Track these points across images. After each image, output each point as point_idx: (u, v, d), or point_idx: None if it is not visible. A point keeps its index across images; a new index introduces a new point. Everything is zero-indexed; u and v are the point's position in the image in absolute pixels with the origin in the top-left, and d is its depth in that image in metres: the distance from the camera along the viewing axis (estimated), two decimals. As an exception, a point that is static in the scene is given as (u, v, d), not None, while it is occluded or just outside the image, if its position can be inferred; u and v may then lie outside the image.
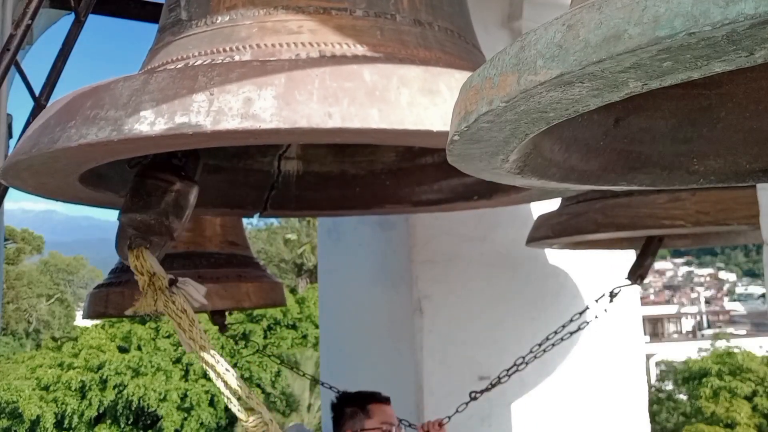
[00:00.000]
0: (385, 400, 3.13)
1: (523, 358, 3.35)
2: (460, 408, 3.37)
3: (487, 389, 3.33)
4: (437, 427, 3.16)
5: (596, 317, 3.38)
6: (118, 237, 1.65)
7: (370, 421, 3.03)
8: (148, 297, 1.63)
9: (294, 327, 27.14)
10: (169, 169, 1.65)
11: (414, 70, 1.30)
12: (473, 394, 3.29)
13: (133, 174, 1.76)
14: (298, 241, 36.46)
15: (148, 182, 1.63)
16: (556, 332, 3.35)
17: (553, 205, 3.30)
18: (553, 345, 3.33)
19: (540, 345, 3.34)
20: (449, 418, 3.31)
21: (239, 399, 1.57)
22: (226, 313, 3.42)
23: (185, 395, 24.45)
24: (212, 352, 1.62)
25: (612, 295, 3.25)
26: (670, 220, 2.61)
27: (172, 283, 1.64)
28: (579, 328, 3.36)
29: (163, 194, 1.61)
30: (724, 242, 3.72)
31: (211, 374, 1.61)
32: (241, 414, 1.57)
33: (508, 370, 3.37)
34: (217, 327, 3.43)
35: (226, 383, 1.59)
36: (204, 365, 1.62)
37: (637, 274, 3.19)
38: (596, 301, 3.29)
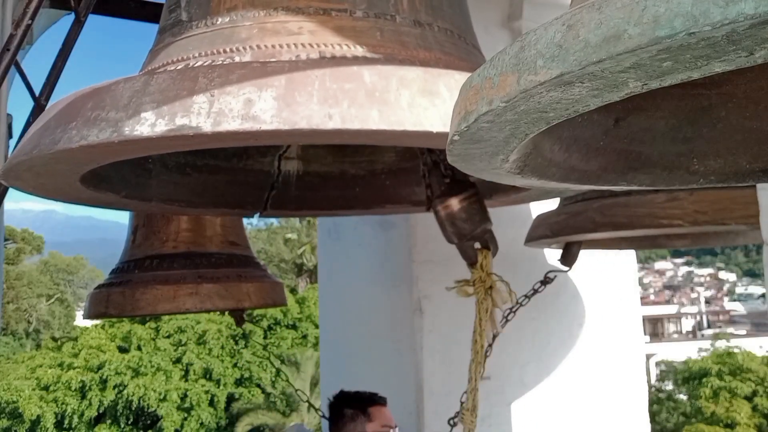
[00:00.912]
0: (384, 402, 3.13)
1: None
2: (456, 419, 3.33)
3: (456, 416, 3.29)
4: None
5: (527, 297, 3.30)
6: (462, 249, 2.20)
7: (371, 424, 3.01)
8: (476, 289, 2.19)
9: (294, 327, 27.16)
10: (464, 186, 2.10)
11: (414, 71, 1.30)
12: (451, 421, 3.26)
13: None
14: (298, 241, 36.49)
15: (473, 202, 2.10)
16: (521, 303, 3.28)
17: (552, 205, 3.30)
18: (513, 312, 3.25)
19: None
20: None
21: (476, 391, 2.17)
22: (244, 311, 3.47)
23: (185, 395, 24.47)
24: (483, 348, 2.19)
25: (547, 279, 3.25)
26: (668, 220, 2.61)
27: (491, 286, 2.19)
28: (520, 305, 3.28)
29: (474, 205, 2.10)
30: (723, 242, 3.72)
31: (475, 358, 2.17)
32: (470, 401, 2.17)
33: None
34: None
35: (475, 375, 2.19)
36: (473, 352, 2.17)
37: (567, 261, 3.26)
38: (533, 289, 3.25)
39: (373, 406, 3.07)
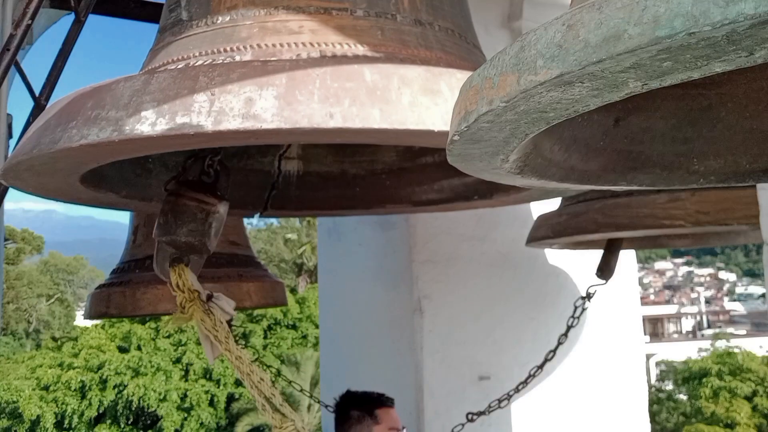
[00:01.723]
0: (391, 404, 3.10)
1: (525, 382, 3.33)
2: (456, 429, 3.35)
3: (486, 411, 3.31)
4: None
5: (583, 311, 3.35)
6: (156, 255, 1.73)
7: (378, 426, 2.98)
8: (187, 312, 1.73)
9: (294, 327, 27.14)
10: (209, 190, 1.74)
11: (415, 70, 1.30)
12: (470, 416, 3.27)
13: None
14: (298, 241, 36.48)
15: (190, 204, 1.71)
16: (566, 333, 3.34)
17: (553, 205, 3.30)
18: (559, 344, 3.31)
19: (554, 351, 3.33)
20: None
21: (272, 406, 1.65)
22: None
23: (185, 395, 24.46)
24: (247, 361, 1.71)
25: (589, 294, 3.26)
26: (669, 220, 2.61)
27: (209, 298, 1.75)
28: (569, 327, 3.34)
29: (206, 216, 1.72)
30: (724, 242, 3.72)
31: (246, 382, 1.68)
32: (275, 420, 1.63)
33: (525, 380, 3.34)
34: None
35: (260, 391, 1.66)
36: (239, 374, 1.70)
37: (606, 271, 3.24)
38: (575, 305, 3.29)
39: (381, 408, 3.04)
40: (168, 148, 1.45)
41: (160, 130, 1.18)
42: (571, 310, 3.70)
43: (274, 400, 1.65)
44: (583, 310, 3.31)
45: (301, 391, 4.02)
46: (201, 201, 1.71)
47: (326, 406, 3.41)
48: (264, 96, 1.18)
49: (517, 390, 3.32)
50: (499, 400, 3.33)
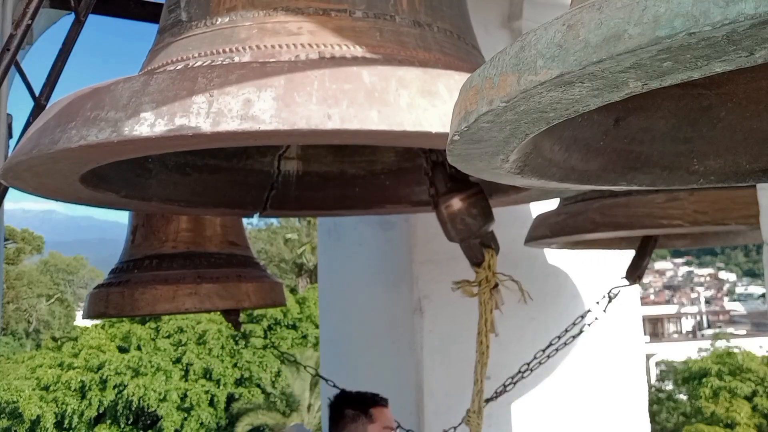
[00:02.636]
0: (385, 403, 3.12)
1: (528, 364, 3.33)
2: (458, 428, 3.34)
3: (492, 397, 3.31)
4: None
5: (596, 319, 3.37)
6: (467, 249, 2.16)
7: (372, 425, 3.00)
8: (481, 289, 2.17)
9: (294, 327, 27.15)
10: (469, 185, 2.10)
11: (413, 72, 1.30)
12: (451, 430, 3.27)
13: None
14: (298, 241, 36.49)
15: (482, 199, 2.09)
16: (559, 337, 3.33)
17: (552, 205, 3.30)
18: (557, 350, 3.32)
19: (544, 351, 3.32)
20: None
21: (479, 399, 2.19)
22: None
23: (185, 395, 24.46)
24: (487, 354, 2.23)
25: (611, 297, 3.25)
26: (667, 220, 2.61)
27: (496, 286, 2.19)
28: (581, 331, 3.36)
29: (480, 204, 2.09)
30: (723, 242, 3.72)
31: (477, 368, 2.22)
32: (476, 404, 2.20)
33: (513, 378, 3.35)
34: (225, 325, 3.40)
35: (481, 376, 2.19)
36: (479, 355, 2.21)
37: (635, 274, 3.19)
38: (597, 303, 3.28)
39: (375, 407, 3.06)
40: (167, 149, 1.45)
41: (159, 131, 1.18)
42: (571, 310, 3.70)
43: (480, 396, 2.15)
44: (596, 311, 3.31)
45: (308, 370, 4.05)
46: (471, 197, 2.07)
47: (333, 385, 3.44)
48: (262, 97, 1.18)
49: (520, 374, 3.32)
50: (505, 385, 3.33)
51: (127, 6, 3.91)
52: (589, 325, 3.34)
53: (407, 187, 2.55)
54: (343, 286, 4.78)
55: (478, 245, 2.16)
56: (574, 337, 3.33)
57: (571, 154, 0.89)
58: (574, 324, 3.36)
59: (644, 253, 3.20)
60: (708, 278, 70.56)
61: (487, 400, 3.29)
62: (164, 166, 2.14)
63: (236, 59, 1.44)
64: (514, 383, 3.33)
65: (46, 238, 45.19)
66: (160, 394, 24.12)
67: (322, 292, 5.31)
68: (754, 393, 25.28)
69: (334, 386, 3.50)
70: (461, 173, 1.99)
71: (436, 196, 2.14)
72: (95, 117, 1.25)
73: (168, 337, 25.67)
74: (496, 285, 2.17)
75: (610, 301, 3.23)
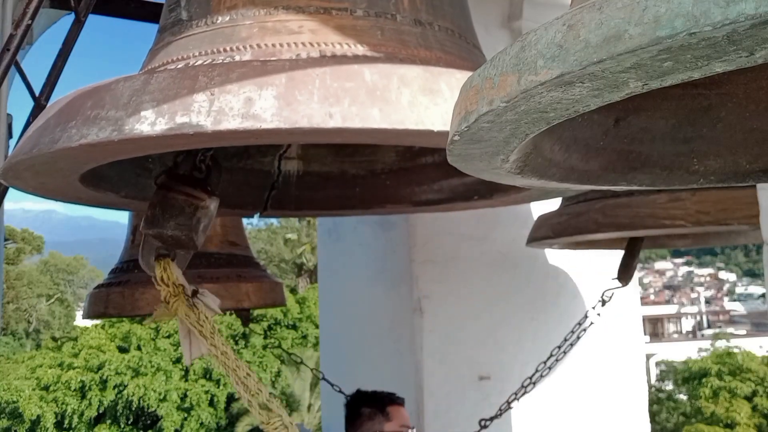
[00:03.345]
0: (402, 402, 3.11)
1: (530, 378, 3.32)
2: None
3: (497, 416, 3.30)
4: None
5: (591, 323, 3.37)
6: (142, 248, 1.71)
7: (389, 423, 2.98)
8: (171, 306, 1.69)
9: (294, 327, 27.15)
10: (199, 185, 1.71)
11: (414, 70, 1.30)
12: (483, 422, 3.25)
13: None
14: (298, 241, 36.48)
15: (178, 198, 1.68)
16: (559, 347, 3.33)
17: (553, 205, 3.30)
18: (557, 360, 3.32)
19: (545, 362, 3.32)
20: None
21: (259, 402, 1.66)
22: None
23: (185, 395, 24.46)
24: (233, 357, 1.68)
25: (604, 300, 3.25)
26: (670, 220, 2.61)
27: (194, 294, 1.71)
28: (578, 338, 3.36)
29: (195, 211, 1.68)
30: (724, 242, 3.72)
31: (232, 378, 1.67)
32: (261, 416, 1.65)
33: (516, 393, 3.33)
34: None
35: (246, 387, 1.66)
36: (225, 370, 1.68)
37: (626, 275, 3.19)
38: (593, 308, 3.29)
39: (392, 406, 3.05)
40: (168, 148, 1.45)
41: (160, 129, 1.18)
42: (571, 310, 3.70)
43: (260, 396, 1.65)
44: (586, 316, 3.31)
45: (311, 369, 4.06)
46: (190, 195, 1.69)
47: (339, 390, 3.45)
48: (263, 96, 1.18)
49: (524, 388, 3.31)
50: (509, 402, 3.32)
51: (127, 6, 3.91)
52: (585, 330, 3.33)
53: (407, 187, 2.55)
54: (343, 286, 4.78)
55: (153, 247, 1.71)
56: (572, 345, 3.33)
57: (571, 154, 0.89)
58: (572, 332, 3.37)
59: (633, 253, 3.21)
60: (708, 278, 70.57)
61: (492, 419, 3.27)
62: (164, 166, 2.14)
63: (237, 58, 1.44)
64: (517, 398, 3.32)
65: (46, 238, 45.20)
66: (160, 394, 24.13)
67: (322, 292, 5.31)
68: (754, 393, 25.28)
69: (340, 391, 3.49)
70: (215, 172, 1.75)
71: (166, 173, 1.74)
72: (96, 116, 1.25)
73: (168, 337, 25.66)
74: (196, 292, 1.70)
75: (603, 304, 3.23)
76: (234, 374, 1.66)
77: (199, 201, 1.69)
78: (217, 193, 1.76)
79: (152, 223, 1.66)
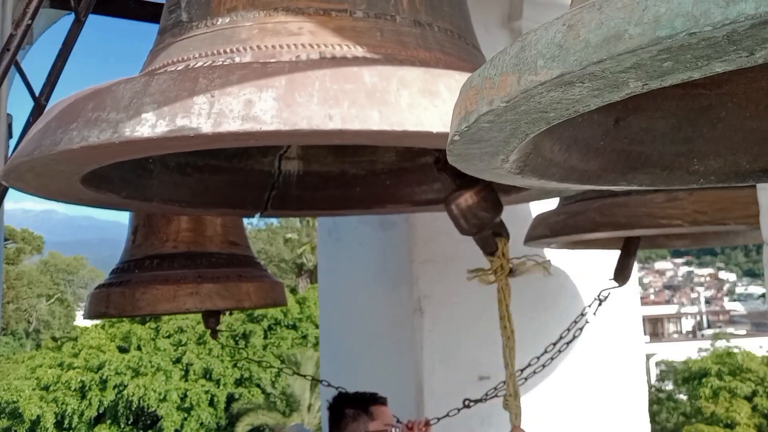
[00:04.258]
0: (385, 401, 3.12)
1: (521, 371, 3.33)
2: (451, 413, 3.34)
3: (482, 399, 3.31)
4: (423, 427, 3.11)
5: (587, 322, 3.38)
6: (481, 241, 2.28)
7: (373, 423, 3.00)
8: (497, 277, 2.31)
9: (294, 327, 27.13)
10: (474, 181, 2.10)
11: (414, 72, 1.30)
12: (467, 402, 3.26)
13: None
14: (298, 241, 36.44)
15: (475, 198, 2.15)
16: (554, 344, 3.34)
17: (552, 204, 3.30)
18: (552, 358, 3.32)
19: (538, 358, 3.33)
20: (438, 419, 3.28)
21: (514, 385, 2.26)
22: (221, 315, 3.30)
23: (185, 395, 24.44)
24: (513, 336, 2.36)
25: (601, 299, 3.25)
26: (667, 220, 2.61)
27: (512, 272, 2.32)
28: (574, 337, 3.36)
29: (486, 198, 2.16)
30: (723, 242, 3.72)
31: (505, 353, 2.33)
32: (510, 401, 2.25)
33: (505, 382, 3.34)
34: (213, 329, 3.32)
35: (512, 365, 2.30)
36: (504, 340, 2.33)
37: (622, 275, 3.20)
38: (588, 307, 3.29)
39: (375, 405, 3.06)
40: (168, 150, 1.45)
41: (160, 132, 1.18)
42: (571, 310, 3.70)
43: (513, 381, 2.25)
44: (583, 314, 3.31)
45: (305, 377, 4.04)
46: (478, 192, 2.13)
47: (337, 388, 3.45)
48: (263, 98, 1.18)
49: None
50: (496, 389, 3.33)
51: (127, 6, 3.91)
52: (581, 329, 3.34)
53: (407, 187, 2.55)
54: (343, 286, 4.78)
55: (491, 236, 2.26)
56: (568, 343, 3.33)
57: (571, 154, 0.89)
58: (568, 330, 3.37)
59: (629, 253, 3.21)
60: (708, 278, 70.52)
61: (476, 401, 3.29)
62: (165, 167, 2.14)
63: (237, 60, 1.44)
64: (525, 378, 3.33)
65: (46, 238, 45.15)
66: (160, 394, 24.11)
67: (322, 292, 5.31)
68: (754, 393, 25.26)
69: (337, 390, 3.49)
70: None
71: (447, 194, 2.21)
72: (96, 118, 1.25)
73: (168, 337, 25.65)
74: (511, 271, 2.29)
75: (600, 304, 3.23)
76: (509, 350, 2.30)
77: (485, 190, 2.14)
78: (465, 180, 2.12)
79: (476, 228, 2.23)
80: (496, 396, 3.34)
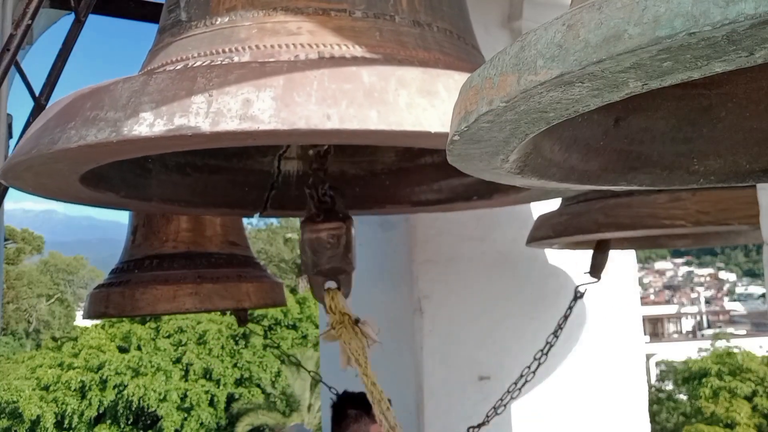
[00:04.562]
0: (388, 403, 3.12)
1: (515, 384, 3.35)
2: None
3: (483, 424, 3.32)
4: None
5: (565, 318, 3.40)
6: (311, 285, 2.03)
7: (375, 425, 3.00)
8: (337, 332, 2.01)
9: (294, 327, 27.15)
10: (332, 216, 1.99)
11: (413, 72, 1.30)
12: (471, 430, 3.29)
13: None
14: (298, 241, 36.43)
15: (321, 237, 1.97)
16: (542, 350, 3.37)
17: (553, 205, 3.30)
18: (539, 364, 3.34)
19: (529, 367, 3.36)
20: None
21: (387, 419, 1.98)
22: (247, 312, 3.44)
23: (185, 395, 24.46)
24: (380, 389, 2.03)
25: (577, 295, 3.28)
26: (670, 220, 2.61)
27: (357, 322, 2.02)
28: (556, 336, 3.38)
29: (338, 240, 1.96)
30: (724, 242, 3.71)
31: (376, 408, 2.00)
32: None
33: (502, 399, 3.36)
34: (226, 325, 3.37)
35: (386, 419, 1.98)
36: (370, 397, 2.00)
37: (597, 272, 3.24)
38: (570, 308, 3.32)
39: None
40: (166, 149, 1.45)
41: (158, 131, 1.18)
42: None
43: (398, 430, 1.96)
44: (570, 309, 3.33)
45: (309, 372, 4.09)
46: (330, 230, 1.96)
47: (336, 392, 3.45)
48: (262, 97, 1.18)
49: (509, 392, 3.33)
50: (495, 407, 3.35)
51: (127, 6, 3.91)
52: (561, 327, 3.36)
53: (407, 187, 2.55)
54: (343, 286, 4.77)
55: (322, 285, 2.01)
56: (551, 346, 3.36)
57: (571, 154, 0.88)
58: (559, 327, 3.40)
59: (600, 252, 3.26)
60: (708, 278, 70.56)
61: (495, 408, 3.29)
62: (164, 166, 2.14)
63: (236, 59, 1.44)
64: (503, 403, 3.34)
65: (46, 238, 45.18)
66: (160, 394, 24.12)
67: (322, 292, 5.30)
68: (754, 393, 25.27)
69: (336, 393, 3.49)
70: (340, 202, 2.01)
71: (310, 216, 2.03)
72: (94, 117, 1.25)
73: (168, 337, 25.67)
74: (357, 321, 2.01)
75: (577, 299, 3.26)
76: (378, 405, 1.98)
77: (339, 231, 1.97)
78: (348, 214, 2.01)
79: (310, 266, 1.97)
80: (497, 415, 3.36)
